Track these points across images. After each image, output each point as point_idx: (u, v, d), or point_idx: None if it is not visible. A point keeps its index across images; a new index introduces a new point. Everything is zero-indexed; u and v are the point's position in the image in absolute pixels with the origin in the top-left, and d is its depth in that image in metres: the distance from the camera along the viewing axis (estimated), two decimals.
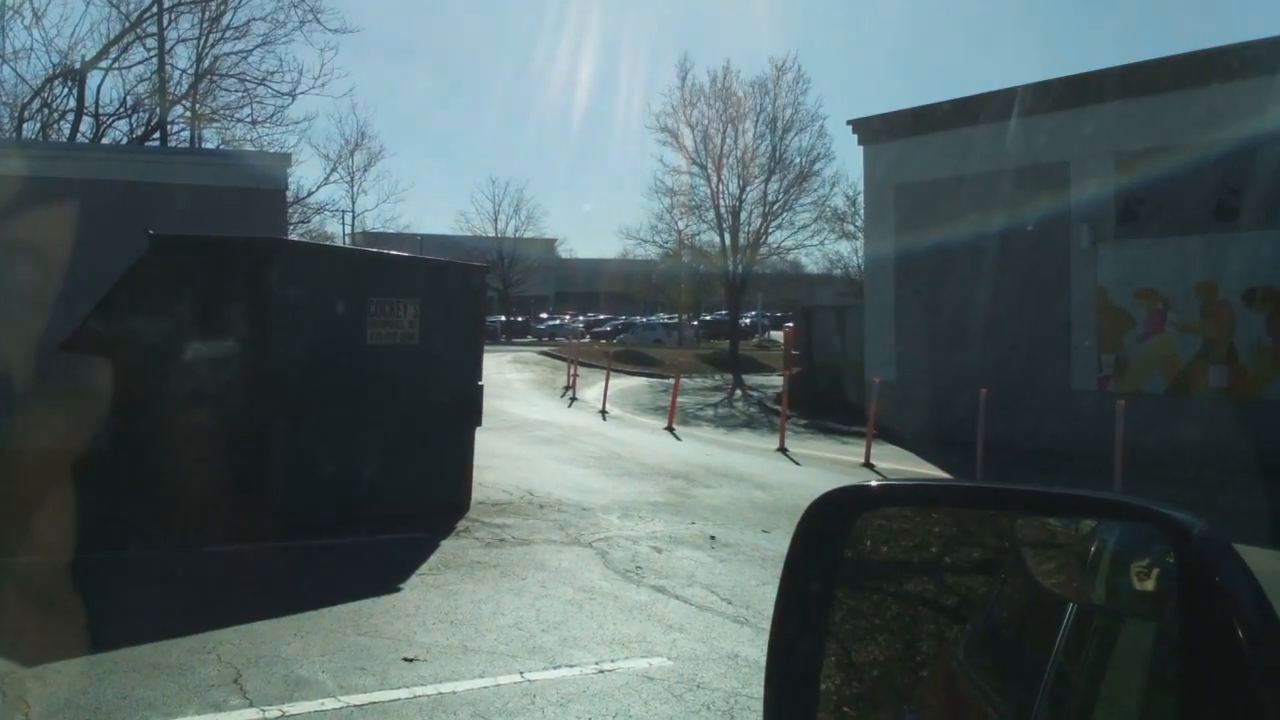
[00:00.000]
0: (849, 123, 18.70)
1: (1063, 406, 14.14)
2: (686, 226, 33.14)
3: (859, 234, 29.37)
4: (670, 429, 16.51)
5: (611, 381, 21.16)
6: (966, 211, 15.68)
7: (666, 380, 24.43)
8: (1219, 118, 12.93)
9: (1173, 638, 0.96)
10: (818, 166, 31.12)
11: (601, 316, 54.87)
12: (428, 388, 8.32)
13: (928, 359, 16.18)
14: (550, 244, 58.54)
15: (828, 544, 1.18)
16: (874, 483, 1.28)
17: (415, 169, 75.27)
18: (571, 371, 23.94)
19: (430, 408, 8.32)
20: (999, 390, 12.65)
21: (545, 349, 37.16)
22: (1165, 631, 0.99)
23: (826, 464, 13.08)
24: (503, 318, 49.66)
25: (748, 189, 31.31)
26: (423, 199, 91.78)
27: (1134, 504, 1.05)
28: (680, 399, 18.46)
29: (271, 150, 20.50)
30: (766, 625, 1.21)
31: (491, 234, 49.16)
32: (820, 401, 18.84)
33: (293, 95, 21.11)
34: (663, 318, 50.24)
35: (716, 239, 32.14)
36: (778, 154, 30.91)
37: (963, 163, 15.98)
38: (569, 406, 20.32)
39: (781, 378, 19.23)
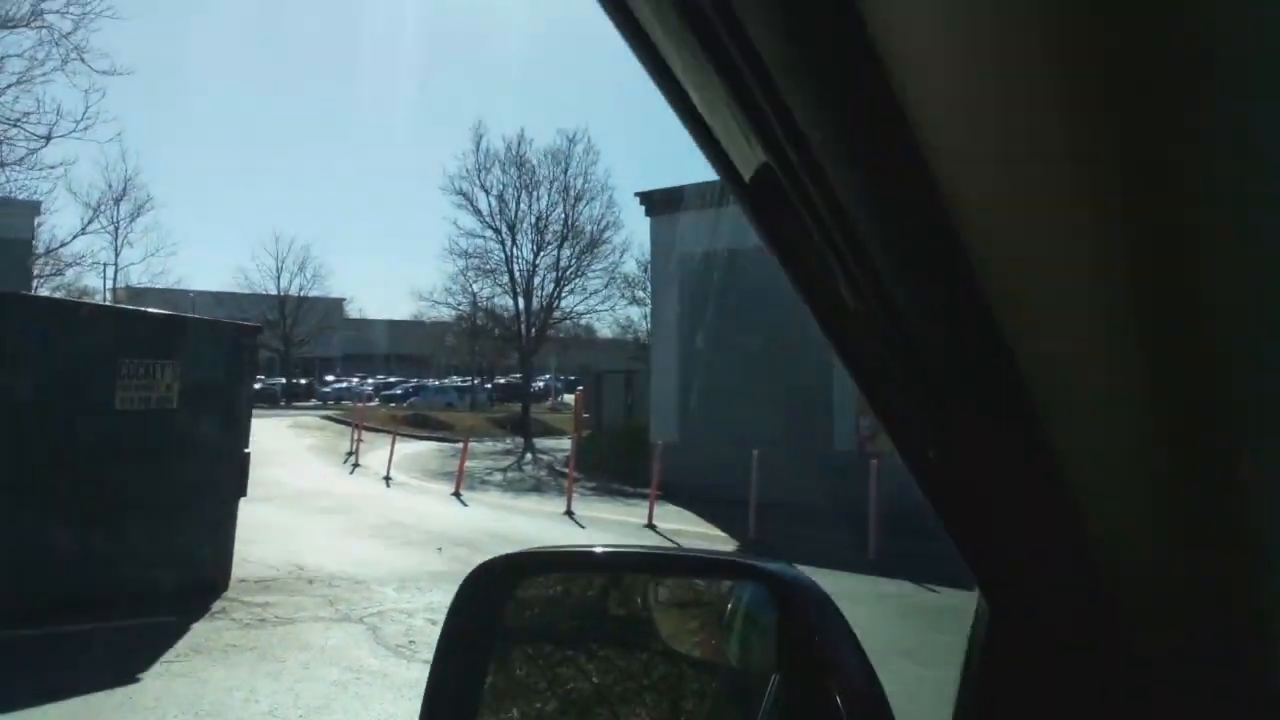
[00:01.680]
0: (636, 195, 19.54)
1: (828, 466, 15.15)
2: (481, 289, 33.08)
3: (648, 300, 30.46)
4: (457, 494, 16.18)
5: (398, 447, 20.51)
6: (743, 281, 16.67)
7: (456, 444, 23.99)
8: None
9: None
10: (608, 235, 32.10)
11: (392, 379, 53.16)
12: (186, 455, 7.76)
13: (708, 421, 16.89)
14: (338, 303, 56.36)
15: (484, 616, 1.20)
16: (526, 550, 1.32)
17: (193, 223, 70.72)
18: (356, 437, 23.00)
19: (188, 477, 7.75)
20: (771, 451, 13.39)
21: (329, 413, 35.50)
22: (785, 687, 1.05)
23: (611, 525, 13.26)
24: (284, 380, 47.04)
25: (541, 254, 31.75)
26: (199, 254, 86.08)
27: (742, 562, 1.15)
28: (469, 464, 18.17)
29: (20, 196, 18.67)
30: None
31: (273, 291, 46.74)
32: (608, 464, 19.15)
33: (48, 138, 19.38)
34: (456, 381, 49.43)
35: (510, 303, 32.27)
36: (570, 221, 31.63)
37: (739, 236, 17.03)
38: (351, 474, 19.47)
39: (571, 441, 19.40)
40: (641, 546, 1.40)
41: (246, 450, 8.38)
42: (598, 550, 1.44)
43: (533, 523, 13.30)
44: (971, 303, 0.51)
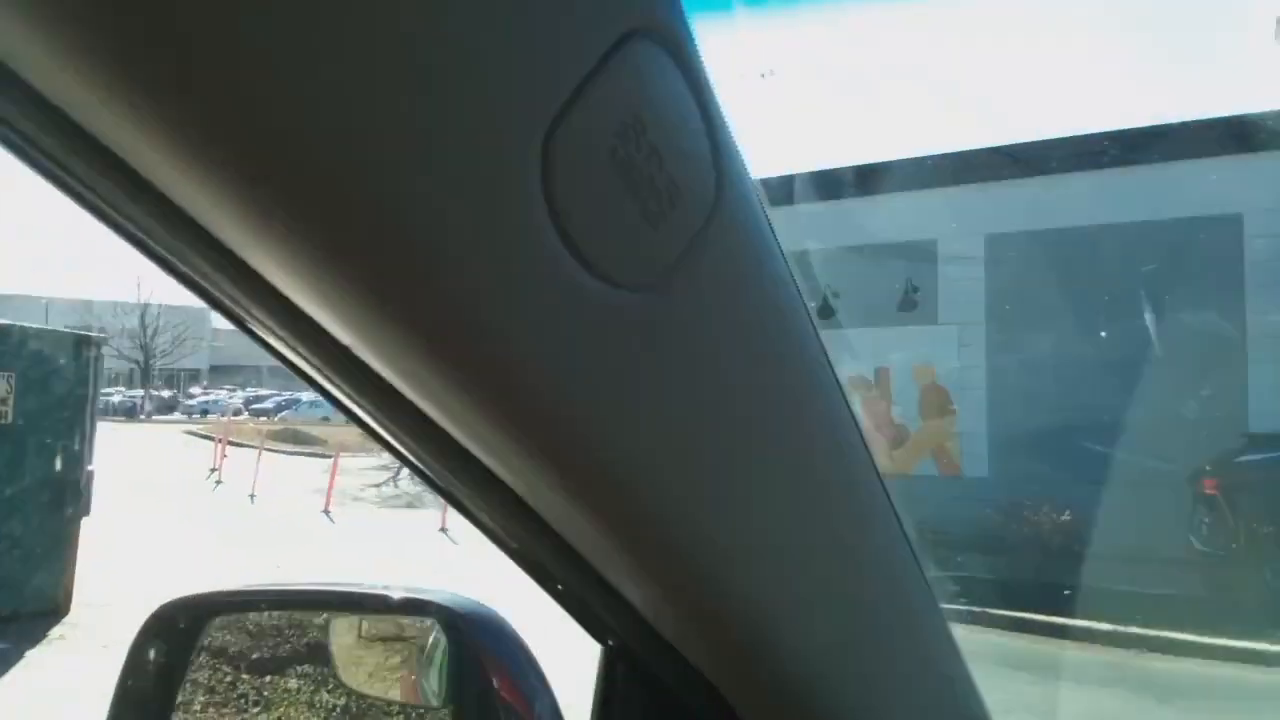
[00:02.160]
0: None
1: None
2: None
3: None
4: (326, 512, 15.70)
5: (267, 462, 19.73)
6: None
7: (329, 459, 23.24)
8: (822, 230, 15.06)
9: None
10: None
11: (264, 392, 51.05)
12: (21, 472, 7.29)
13: None
14: (203, 312, 53.83)
15: (163, 666, 1.13)
16: (206, 592, 1.24)
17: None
18: (219, 452, 21.99)
19: (24, 495, 7.28)
20: None
21: (193, 428, 33.82)
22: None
23: (486, 540, 13.10)
24: (143, 393, 44.55)
25: None
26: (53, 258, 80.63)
27: (415, 598, 1.12)
28: (343, 479, 17.64)
29: None
30: None
31: (134, 300, 44.32)
32: None
33: None
34: None
35: None
36: None
37: None
38: (213, 491, 18.61)
39: None
40: (329, 583, 1.35)
41: (90, 467, 7.95)
42: (279, 588, 1.39)
43: (403, 539, 13.03)
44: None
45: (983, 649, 8.11)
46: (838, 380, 0.66)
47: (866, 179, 14.79)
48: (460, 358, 0.46)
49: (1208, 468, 10.10)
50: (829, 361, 0.66)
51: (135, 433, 28.55)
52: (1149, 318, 11.93)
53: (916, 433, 14.41)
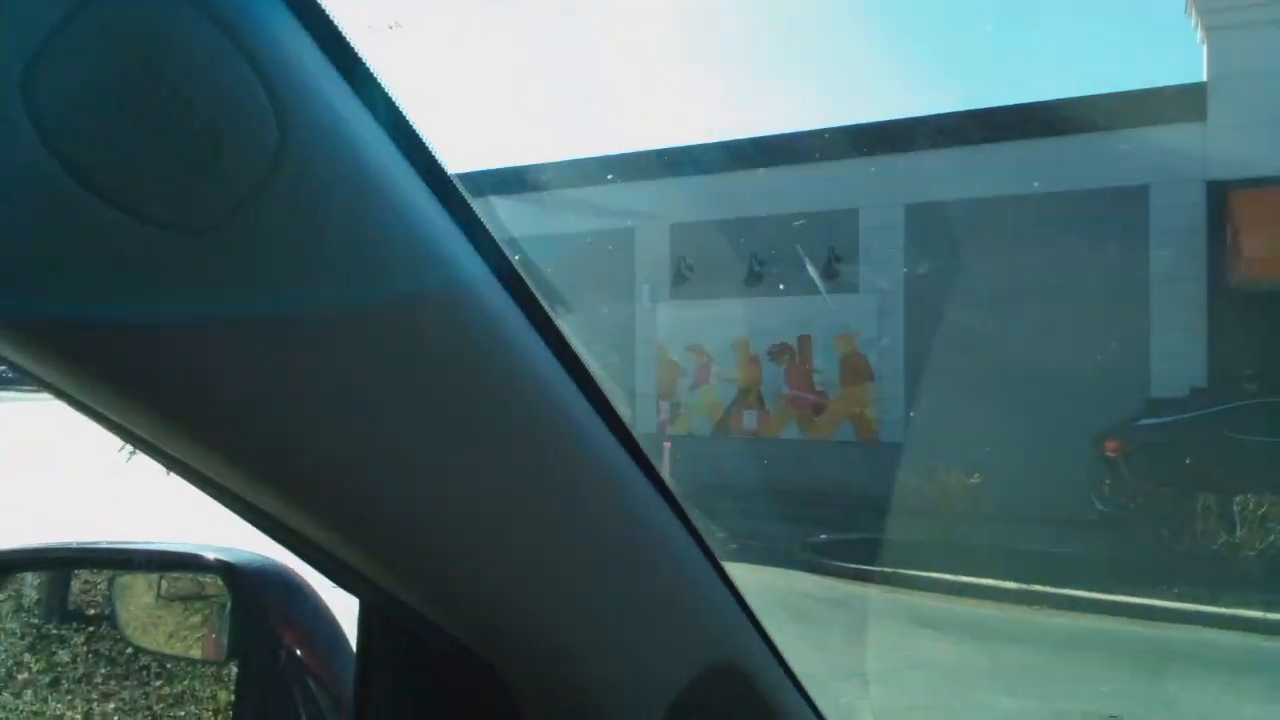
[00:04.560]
0: None
1: None
2: None
3: None
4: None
5: None
6: (551, 268, 16.72)
7: None
8: (749, 200, 15.20)
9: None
10: None
11: None
12: None
13: None
14: None
15: None
16: None
17: None
18: None
19: None
20: None
21: None
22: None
23: None
24: None
25: None
26: None
27: (195, 554, 1.10)
28: None
29: None
30: None
31: None
32: None
33: None
34: None
35: None
36: None
37: (542, 224, 17.05)
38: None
39: None
40: (107, 542, 1.30)
41: None
42: (57, 547, 1.35)
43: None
44: None
45: (894, 609, 8.32)
46: (555, 345, 0.65)
47: (786, 150, 14.94)
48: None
49: (1110, 431, 10.48)
50: (534, 322, 0.64)
51: None
52: (1059, 286, 12.29)
53: (836, 400, 14.70)
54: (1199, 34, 12.66)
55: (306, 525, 0.57)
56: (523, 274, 0.64)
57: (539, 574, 0.66)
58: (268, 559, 1.01)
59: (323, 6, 0.51)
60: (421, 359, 0.56)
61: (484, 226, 0.61)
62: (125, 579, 1.27)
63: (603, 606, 0.72)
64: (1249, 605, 7.37)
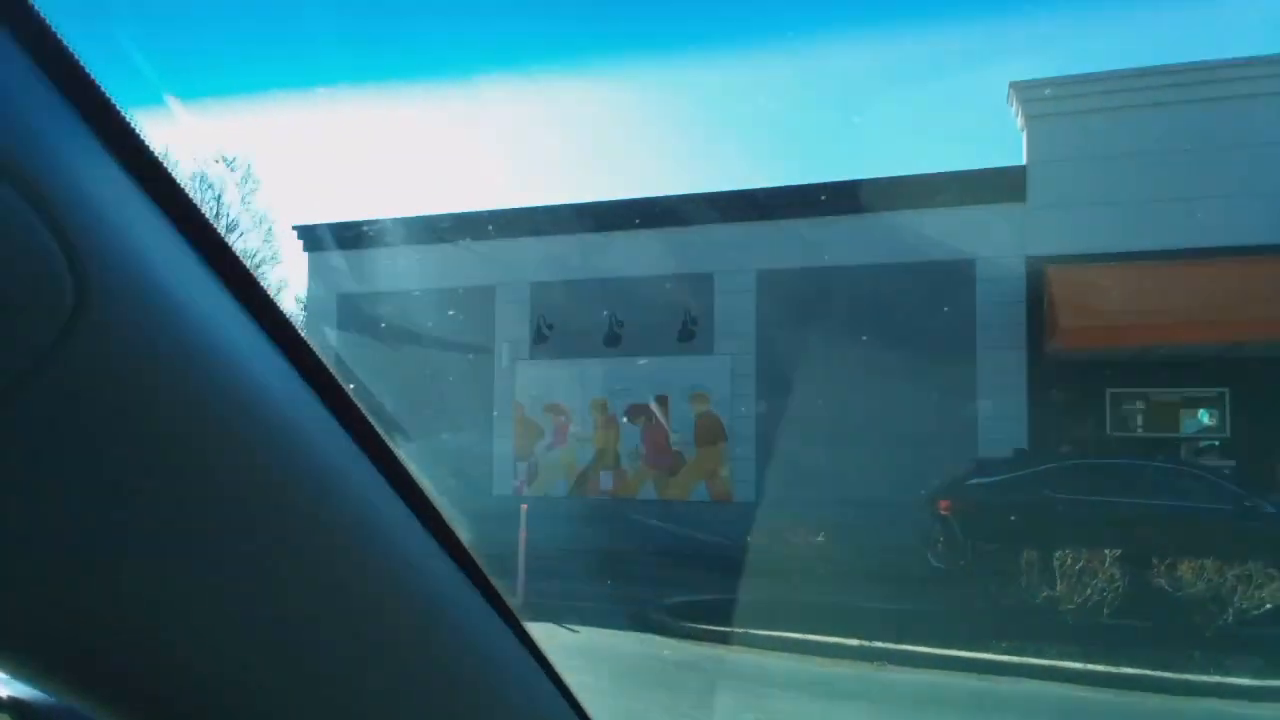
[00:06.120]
0: (294, 228, 18.51)
1: (490, 512, 15.16)
2: None
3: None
4: None
5: None
6: (405, 325, 16.37)
7: None
8: (609, 261, 15.42)
9: None
10: (263, 269, 30.10)
11: None
12: None
13: None
14: None
15: None
16: None
17: None
18: None
19: None
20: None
21: None
22: None
23: None
24: None
25: None
26: None
27: None
28: None
29: None
30: None
31: None
32: None
33: None
34: None
35: None
36: None
37: (406, 278, 16.73)
38: None
39: None
40: None
41: None
42: None
43: None
44: None
45: (745, 669, 8.35)
46: (358, 427, 0.65)
47: (646, 213, 15.29)
48: None
49: (942, 490, 11.04)
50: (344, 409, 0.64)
51: None
52: (895, 351, 12.98)
53: (691, 460, 14.93)
54: (1019, 121, 13.84)
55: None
56: (314, 347, 0.64)
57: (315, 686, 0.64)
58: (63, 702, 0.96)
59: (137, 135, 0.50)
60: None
61: (291, 326, 0.62)
62: None
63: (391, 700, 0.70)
64: (1070, 657, 7.79)
